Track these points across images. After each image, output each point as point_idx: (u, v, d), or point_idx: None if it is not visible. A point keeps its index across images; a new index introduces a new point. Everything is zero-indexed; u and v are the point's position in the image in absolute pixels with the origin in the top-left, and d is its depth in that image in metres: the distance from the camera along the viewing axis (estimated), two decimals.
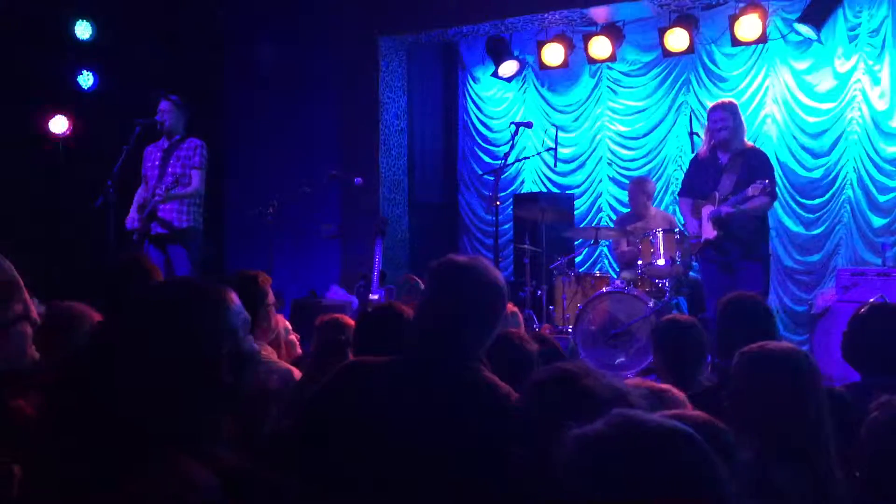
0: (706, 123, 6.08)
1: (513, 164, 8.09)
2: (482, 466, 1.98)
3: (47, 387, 1.97)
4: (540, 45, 8.50)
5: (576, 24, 8.47)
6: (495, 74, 8.89)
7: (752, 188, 5.56)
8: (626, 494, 1.03)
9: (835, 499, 2.11)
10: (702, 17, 8.01)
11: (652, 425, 1.10)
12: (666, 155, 8.65)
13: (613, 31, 8.21)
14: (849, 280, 6.28)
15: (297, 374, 3.29)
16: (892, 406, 1.98)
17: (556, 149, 7.81)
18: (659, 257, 6.49)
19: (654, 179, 8.13)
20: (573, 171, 9.16)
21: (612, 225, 8.07)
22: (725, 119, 5.87)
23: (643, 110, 8.77)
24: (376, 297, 6.73)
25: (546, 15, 8.17)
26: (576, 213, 8.80)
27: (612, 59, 8.31)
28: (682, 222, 6.77)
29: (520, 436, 1.77)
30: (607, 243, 8.47)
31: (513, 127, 7.31)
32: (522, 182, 9.39)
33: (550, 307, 7.27)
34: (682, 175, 7.32)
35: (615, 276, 7.41)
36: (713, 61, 8.32)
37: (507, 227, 8.78)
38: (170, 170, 6.26)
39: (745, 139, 6.10)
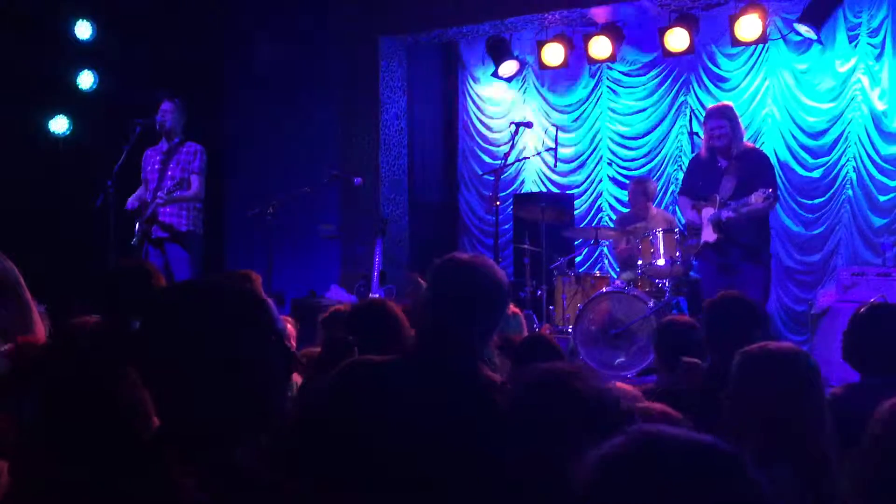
0: (703, 128, 6.03)
1: (513, 164, 8.09)
2: (483, 467, 1.98)
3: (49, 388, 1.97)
4: (540, 45, 8.49)
5: (576, 24, 8.47)
6: (495, 74, 8.89)
7: (754, 196, 5.51)
8: None
9: (833, 499, 2.11)
10: (702, 17, 8.01)
11: (676, 441, 1.08)
12: (666, 155, 8.65)
13: (613, 31, 8.21)
14: (849, 280, 6.28)
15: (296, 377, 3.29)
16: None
17: (556, 149, 7.82)
18: (659, 257, 6.49)
19: (653, 179, 8.12)
20: (573, 171, 9.16)
21: (612, 225, 8.08)
22: (723, 127, 5.82)
23: (643, 110, 8.77)
24: (376, 296, 6.73)
25: (546, 15, 8.17)
26: (576, 213, 8.81)
27: (612, 59, 8.31)
28: (682, 221, 6.77)
29: (512, 437, 1.77)
30: (607, 243, 8.47)
31: (513, 127, 7.31)
32: (522, 182, 9.39)
33: (550, 307, 7.27)
34: (682, 174, 7.33)
35: (615, 276, 7.41)
36: (713, 61, 8.32)
37: (507, 227, 8.78)
38: (169, 173, 6.26)
39: (744, 140, 6.07)
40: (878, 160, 7.56)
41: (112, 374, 1.87)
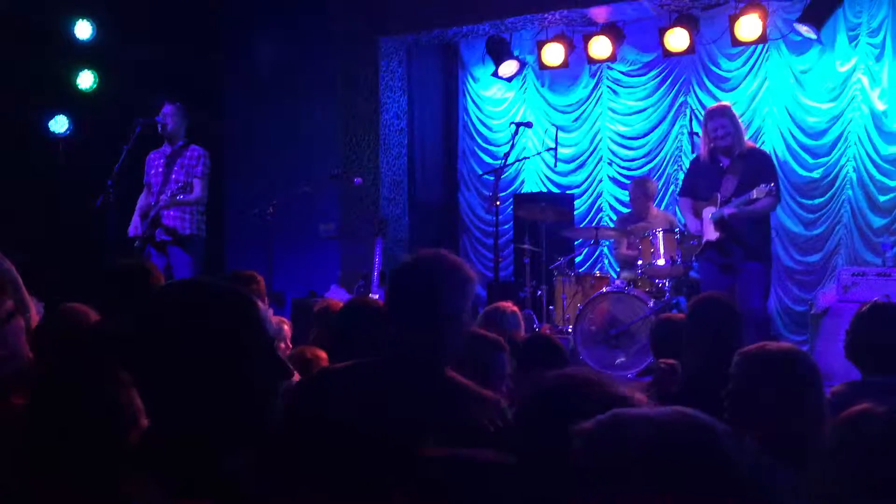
0: (703, 129, 6.00)
1: (513, 164, 8.09)
2: (447, 469, 1.96)
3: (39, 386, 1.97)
4: (540, 45, 8.49)
5: (576, 24, 8.46)
6: (495, 74, 8.89)
7: (756, 191, 5.52)
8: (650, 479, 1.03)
9: (833, 499, 2.10)
10: (702, 17, 8.01)
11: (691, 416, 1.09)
12: (666, 155, 8.65)
13: (613, 31, 8.21)
14: (849, 280, 6.28)
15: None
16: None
17: (556, 149, 7.82)
18: (659, 257, 6.49)
19: (654, 179, 8.12)
20: (573, 171, 9.16)
21: (612, 225, 8.07)
22: (726, 126, 5.79)
23: (643, 110, 8.77)
24: (376, 296, 6.73)
25: (546, 15, 8.17)
26: (576, 213, 8.80)
27: (612, 59, 8.30)
28: (683, 222, 6.77)
29: (519, 442, 1.75)
30: (607, 243, 8.47)
31: (513, 127, 7.31)
32: (522, 182, 9.39)
33: (550, 307, 7.27)
34: (683, 175, 7.33)
35: (615, 276, 7.40)
36: (713, 61, 8.32)
37: (507, 227, 8.77)
38: (173, 177, 6.30)
39: (745, 139, 6.07)
40: (878, 160, 7.56)
41: (106, 374, 1.87)
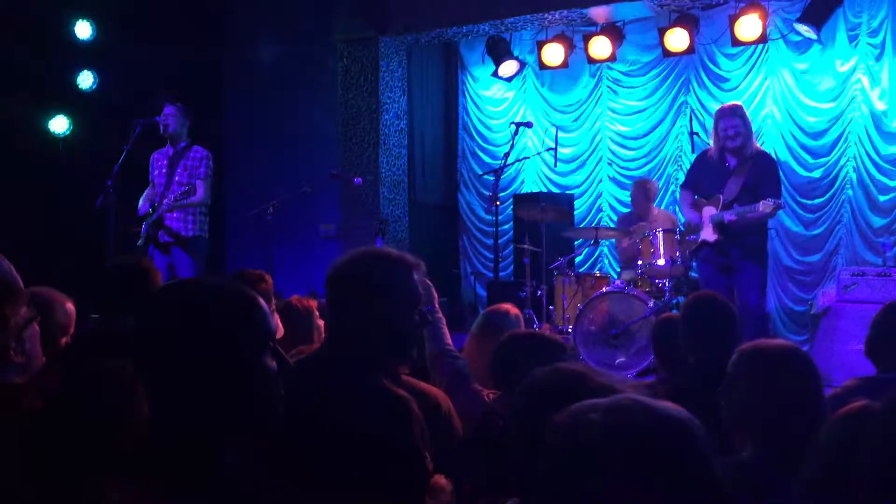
0: (713, 128, 5.99)
1: (513, 164, 8.09)
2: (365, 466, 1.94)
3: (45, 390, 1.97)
4: (540, 45, 8.49)
5: (576, 24, 8.47)
6: (495, 74, 8.89)
7: (762, 205, 5.47)
8: (612, 474, 1.02)
9: (828, 497, 2.10)
10: (702, 17, 8.01)
11: (652, 409, 1.09)
12: (666, 155, 8.65)
13: (613, 31, 8.21)
14: (849, 280, 6.28)
15: None
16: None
17: (556, 149, 7.82)
18: (659, 257, 6.49)
19: (654, 180, 8.12)
20: (573, 171, 9.16)
21: (612, 225, 8.07)
22: (737, 126, 5.75)
23: (643, 110, 8.78)
24: None
25: (546, 15, 8.16)
26: (576, 213, 8.81)
27: (612, 59, 8.31)
28: (682, 219, 6.77)
29: (514, 438, 1.75)
30: (607, 243, 8.47)
31: (513, 127, 7.31)
32: (522, 182, 9.39)
33: (550, 307, 7.27)
34: (683, 174, 7.32)
35: (615, 276, 7.41)
36: (713, 61, 8.32)
37: (507, 227, 8.78)
38: (177, 178, 6.33)
39: (755, 142, 6.05)
40: (878, 160, 7.56)
41: (108, 373, 1.87)
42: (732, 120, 5.78)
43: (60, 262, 7.05)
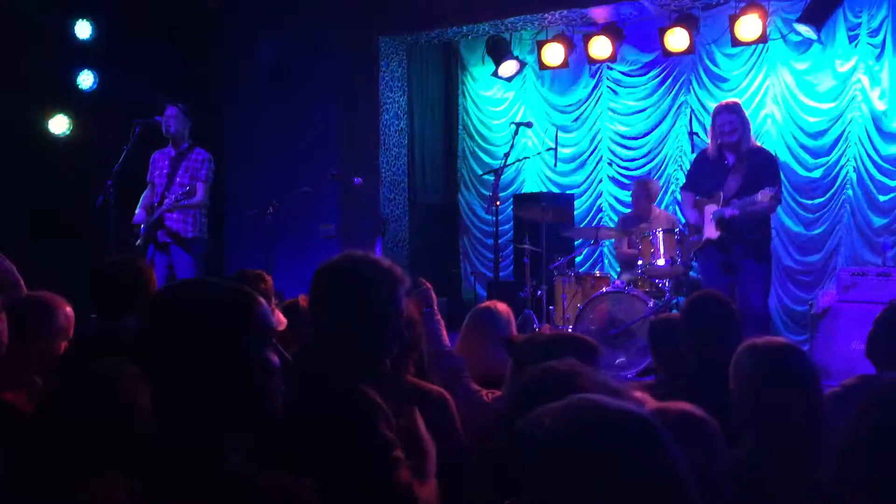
0: (710, 125, 6.02)
1: (513, 164, 8.09)
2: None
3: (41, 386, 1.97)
4: (540, 45, 8.49)
5: (576, 24, 8.47)
6: (495, 74, 8.89)
7: (761, 194, 5.49)
8: (576, 474, 1.02)
9: (829, 495, 2.10)
10: (702, 17, 8.01)
11: (604, 407, 1.09)
12: (666, 155, 8.65)
13: (613, 31, 8.20)
14: (849, 280, 6.28)
15: None
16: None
17: (556, 149, 7.81)
18: (659, 257, 6.49)
19: (655, 180, 8.11)
20: (573, 171, 9.16)
21: (612, 225, 8.06)
22: (734, 122, 5.78)
23: (643, 110, 8.78)
24: None
25: (546, 15, 8.17)
26: (576, 213, 8.81)
27: (612, 59, 8.30)
28: (683, 221, 6.77)
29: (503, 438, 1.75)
30: (608, 243, 8.47)
31: (513, 127, 7.31)
32: (522, 182, 9.39)
33: (550, 307, 7.26)
34: (683, 175, 7.33)
35: (615, 276, 7.40)
36: (713, 61, 8.32)
37: (507, 227, 8.78)
38: (178, 179, 6.38)
39: (753, 138, 6.06)
40: (878, 160, 7.56)
41: (107, 372, 1.87)
42: (729, 116, 5.81)
43: (60, 263, 7.05)
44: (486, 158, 9.46)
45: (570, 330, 6.67)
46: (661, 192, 8.36)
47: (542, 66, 8.62)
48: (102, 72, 8.06)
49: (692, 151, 6.89)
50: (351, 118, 8.72)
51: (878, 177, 7.56)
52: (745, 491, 2.02)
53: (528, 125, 7.55)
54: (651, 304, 6.33)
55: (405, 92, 9.01)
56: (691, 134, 7.11)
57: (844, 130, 7.74)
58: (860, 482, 1.37)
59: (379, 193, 8.61)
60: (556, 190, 9.09)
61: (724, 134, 5.79)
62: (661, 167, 8.65)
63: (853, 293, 6.19)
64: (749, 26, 7.38)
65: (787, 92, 8.01)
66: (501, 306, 3.44)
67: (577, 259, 8.52)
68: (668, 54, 7.97)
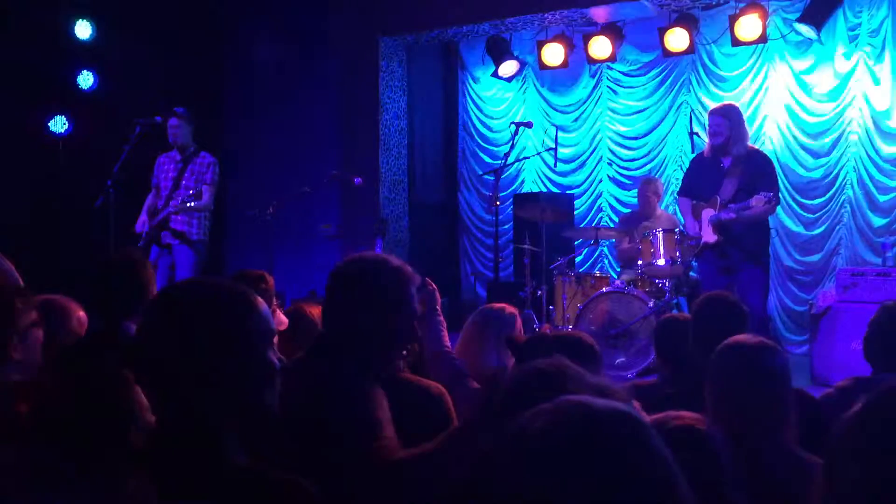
0: (707, 126, 6.06)
1: (513, 164, 8.09)
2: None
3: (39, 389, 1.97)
4: (540, 45, 8.49)
5: (576, 24, 8.47)
6: (495, 74, 8.89)
7: (755, 199, 5.49)
8: (561, 481, 1.02)
9: (796, 496, 2.10)
10: (702, 17, 8.01)
11: (592, 408, 1.09)
12: (666, 155, 8.65)
13: (613, 31, 8.21)
14: (849, 280, 6.28)
15: None
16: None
17: (556, 149, 7.81)
18: (659, 257, 6.49)
19: (660, 179, 8.12)
20: (573, 171, 9.16)
21: (612, 225, 8.06)
22: (720, 124, 5.81)
23: (643, 110, 8.77)
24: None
25: (546, 15, 8.17)
26: (576, 213, 8.80)
27: (612, 59, 8.30)
28: (683, 222, 6.77)
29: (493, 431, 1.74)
30: (608, 243, 8.46)
31: (513, 127, 7.31)
32: (522, 182, 9.39)
33: (550, 307, 7.26)
34: (682, 174, 7.32)
35: (615, 276, 7.40)
36: (713, 61, 8.32)
37: (507, 227, 8.78)
38: (184, 183, 6.49)
39: (748, 142, 6.05)
40: (878, 160, 7.56)
41: (110, 374, 1.87)
42: (715, 118, 5.89)
43: (60, 263, 7.05)
44: (486, 158, 9.45)
45: (569, 329, 6.67)
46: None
47: (542, 66, 8.62)
48: (102, 72, 8.06)
49: (692, 151, 6.89)
50: (351, 118, 8.73)
51: (878, 177, 7.56)
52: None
53: (528, 125, 7.56)
54: (651, 304, 6.33)
55: (405, 92, 9.01)
56: (691, 134, 7.10)
57: (844, 130, 7.73)
58: (856, 484, 1.37)
59: (379, 193, 8.61)
60: (556, 190, 9.09)
61: (711, 136, 5.86)
62: (661, 167, 8.64)
63: (853, 293, 6.19)
64: (749, 26, 7.38)
65: (787, 92, 8.00)
66: (508, 307, 3.44)
67: (577, 259, 8.52)
68: (667, 54, 7.97)
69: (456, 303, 9.09)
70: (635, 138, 8.85)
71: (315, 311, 3.77)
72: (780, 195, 6.55)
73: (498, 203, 6.84)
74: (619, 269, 7.86)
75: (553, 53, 8.38)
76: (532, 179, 9.36)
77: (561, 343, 2.42)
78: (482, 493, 1.04)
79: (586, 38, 8.21)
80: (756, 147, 6.41)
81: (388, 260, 2.31)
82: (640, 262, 6.63)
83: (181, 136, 6.56)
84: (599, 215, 8.96)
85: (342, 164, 8.38)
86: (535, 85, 9.28)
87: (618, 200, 8.89)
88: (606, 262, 8.83)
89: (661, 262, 6.47)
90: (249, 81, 9.05)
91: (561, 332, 3.05)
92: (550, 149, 7.90)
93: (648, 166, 8.68)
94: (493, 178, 6.99)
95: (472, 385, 3.00)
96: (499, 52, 8.70)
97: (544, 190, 9.09)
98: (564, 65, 8.47)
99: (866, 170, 7.61)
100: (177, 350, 1.52)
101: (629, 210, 8.24)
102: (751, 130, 7.77)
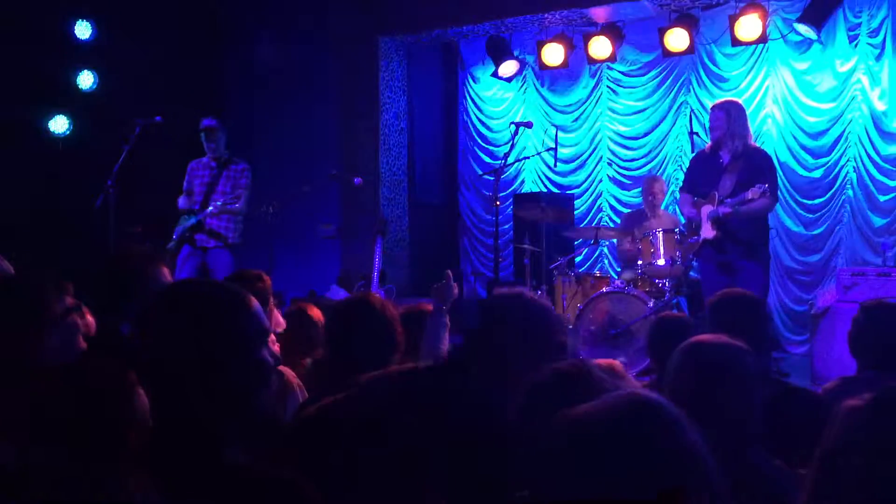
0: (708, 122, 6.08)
1: (513, 164, 8.09)
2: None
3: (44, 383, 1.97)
4: (540, 45, 8.49)
5: (576, 24, 8.47)
6: (495, 74, 8.89)
7: (751, 192, 5.52)
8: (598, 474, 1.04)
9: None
10: (702, 17, 8.01)
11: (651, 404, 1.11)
12: (666, 155, 8.65)
13: (613, 31, 8.21)
14: (849, 280, 6.28)
15: (291, 374, 3.29)
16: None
17: (556, 149, 7.81)
18: (659, 257, 6.49)
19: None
20: (573, 171, 9.16)
21: (612, 225, 8.06)
22: (719, 119, 5.83)
23: (643, 110, 8.77)
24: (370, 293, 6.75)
25: (546, 15, 8.17)
26: (576, 213, 8.80)
27: (612, 59, 8.31)
28: (683, 221, 6.77)
29: (516, 434, 1.76)
30: (608, 243, 8.46)
31: (513, 127, 7.31)
32: (522, 182, 9.39)
33: None
34: (683, 174, 7.33)
35: (615, 276, 7.41)
36: (713, 61, 8.32)
37: (507, 227, 8.78)
38: (219, 188, 6.67)
39: (750, 140, 6.05)
40: (878, 160, 7.55)
41: (111, 374, 1.88)
42: (715, 112, 5.92)
43: (60, 263, 7.05)
44: (486, 158, 9.45)
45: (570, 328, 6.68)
46: None
47: (542, 66, 8.62)
48: (102, 72, 8.06)
49: (692, 151, 6.90)
50: (351, 118, 8.73)
51: (879, 177, 7.56)
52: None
53: (528, 125, 7.55)
54: (651, 304, 6.33)
55: (405, 92, 9.02)
56: (691, 134, 7.11)
57: (844, 130, 7.73)
58: (857, 476, 1.37)
59: (379, 193, 8.61)
60: (556, 190, 9.09)
61: (710, 130, 5.90)
62: (661, 167, 8.64)
63: (853, 293, 6.19)
64: (749, 26, 7.38)
65: (787, 92, 8.00)
66: None
67: (577, 259, 8.52)
68: (667, 54, 7.97)
69: (456, 303, 9.09)
70: (635, 138, 8.85)
71: (315, 312, 3.76)
72: (779, 194, 6.56)
73: (498, 203, 6.83)
74: (619, 269, 7.86)
75: (553, 53, 8.39)
76: (532, 179, 9.36)
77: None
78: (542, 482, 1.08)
79: (586, 38, 8.21)
80: (757, 145, 6.41)
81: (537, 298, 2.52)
82: (640, 262, 6.64)
83: (219, 147, 6.79)
84: (599, 215, 8.95)
85: (342, 164, 8.39)
86: (535, 85, 9.28)
87: (618, 200, 8.89)
88: (606, 262, 8.83)
89: (661, 262, 6.47)
90: (249, 81, 9.05)
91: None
92: (550, 149, 7.90)
93: (648, 166, 8.68)
94: (493, 178, 6.99)
95: None
96: (499, 52, 8.70)
97: (544, 190, 9.09)
98: (564, 65, 8.47)
99: (866, 170, 7.61)
100: (173, 349, 1.52)
101: (629, 210, 8.25)
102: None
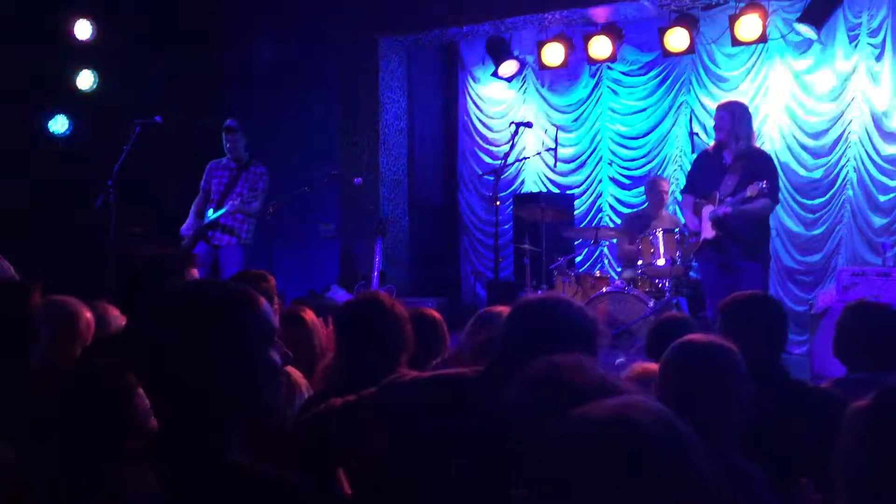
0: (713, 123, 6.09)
1: (513, 164, 8.08)
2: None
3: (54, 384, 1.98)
4: (540, 45, 8.49)
5: (576, 24, 8.47)
6: (495, 74, 8.89)
7: (749, 189, 5.55)
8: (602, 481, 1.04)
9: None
10: (702, 17, 8.01)
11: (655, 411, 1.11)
12: (666, 155, 8.65)
13: (613, 31, 8.21)
14: (849, 280, 6.28)
15: (298, 375, 3.28)
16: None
17: (556, 149, 7.81)
18: (659, 257, 6.49)
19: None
20: (573, 171, 9.16)
21: (612, 225, 8.06)
22: (722, 119, 5.86)
23: (643, 110, 8.77)
24: (375, 291, 6.75)
25: (546, 15, 8.17)
26: (576, 213, 8.80)
27: (612, 59, 8.30)
28: (683, 221, 6.78)
29: (512, 432, 1.76)
30: (607, 243, 8.46)
31: (513, 127, 7.31)
32: (522, 182, 9.39)
33: None
34: (683, 175, 7.33)
35: (615, 276, 7.41)
36: (713, 61, 8.32)
37: (507, 227, 8.78)
38: (237, 190, 6.82)
39: (754, 141, 6.07)
40: (879, 160, 7.55)
41: (111, 375, 1.88)
42: (720, 112, 5.95)
43: (60, 263, 7.05)
44: (486, 158, 9.45)
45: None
46: None
47: (542, 66, 8.62)
48: (102, 72, 8.06)
49: (692, 151, 6.90)
50: (351, 118, 8.73)
51: (879, 177, 7.56)
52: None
53: (528, 125, 7.56)
54: (651, 304, 6.33)
55: (405, 92, 9.02)
56: (691, 134, 7.11)
57: (844, 130, 7.73)
58: (860, 483, 1.37)
59: (379, 193, 8.61)
60: (556, 190, 9.09)
61: (715, 130, 5.92)
62: (661, 167, 8.64)
63: (853, 293, 6.18)
64: (749, 26, 7.38)
65: (787, 92, 8.00)
66: (506, 310, 3.42)
67: (577, 259, 8.52)
68: (667, 54, 7.97)
69: (456, 303, 9.10)
70: (635, 138, 8.85)
71: (309, 317, 3.71)
72: (779, 195, 6.56)
73: (498, 203, 6.84)
74: (619, 269, 7.86)
75: (553, 53, 8.38)
76: (532, 179, 9.35)
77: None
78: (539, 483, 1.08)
79: (586, 38, 8.21)
80: (757, 146, 6.42)
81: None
82: (640, 262, 6.64)
83: (237, 148, 6.89)
84: (599, 215, 8.95)
85: (342, 164, 8.39)
86: (535, 85, 9.28)
87: (618, 200, 8.89)
88: (606, 262, 8.83)
89: (661, 262, 6.47)
90: (249, 81, 9.05)
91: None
92: (550, 149, 7.90)
93: (648, 166, 8.68)
94: (493, 179, 6.99)
95: None
96: (499, 52, 8.70)
97: (544, 190, 9.09)
98: (564, 65, 8.47)
99: (866, 170, 7.60)
100: (177, 349, 1.52)
101: (630, 210, 8.25)
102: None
